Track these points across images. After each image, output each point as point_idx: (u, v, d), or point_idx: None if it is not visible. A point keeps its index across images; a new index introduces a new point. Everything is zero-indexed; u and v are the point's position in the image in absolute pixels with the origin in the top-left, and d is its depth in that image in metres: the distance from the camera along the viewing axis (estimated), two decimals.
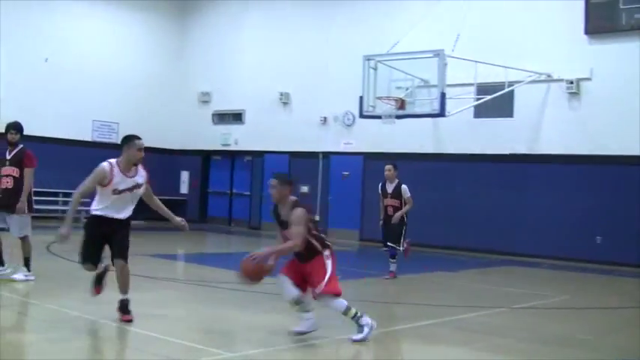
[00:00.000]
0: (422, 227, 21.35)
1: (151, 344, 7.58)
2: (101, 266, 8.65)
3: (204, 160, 28.02)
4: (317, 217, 8.47)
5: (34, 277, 10.93)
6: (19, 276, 10.81)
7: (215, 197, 27.63)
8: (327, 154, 24.27)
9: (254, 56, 26.29)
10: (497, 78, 18.91)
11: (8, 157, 10.93)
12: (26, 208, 10.89)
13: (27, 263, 10.97)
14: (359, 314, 7.98)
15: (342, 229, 22.70)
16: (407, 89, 18.67)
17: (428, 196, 21.41)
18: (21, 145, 11.02)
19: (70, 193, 23.94)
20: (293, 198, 8.13)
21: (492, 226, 20.48)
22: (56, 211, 24.14)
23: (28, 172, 10.89)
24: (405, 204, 13.68)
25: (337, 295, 7.94)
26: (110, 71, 25.99)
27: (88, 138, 25.48)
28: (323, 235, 8.20)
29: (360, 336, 7.96)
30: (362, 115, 18.93)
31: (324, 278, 7.87)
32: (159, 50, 27.82)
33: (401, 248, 13.67)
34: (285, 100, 25.38)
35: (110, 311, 8.40)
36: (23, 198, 10.81)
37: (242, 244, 21.61)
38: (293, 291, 7.99)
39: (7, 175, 10.89)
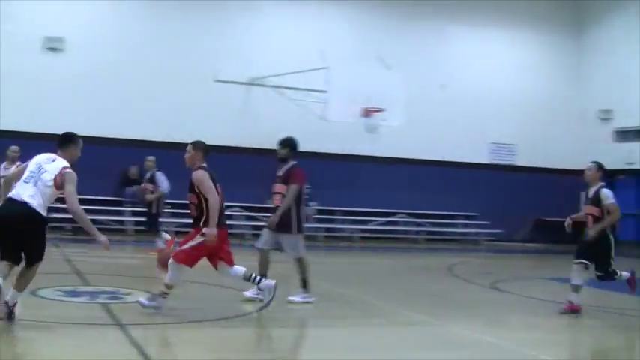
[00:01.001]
0: None
1: None
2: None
3: (605, 180, 26.67)
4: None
5: (313, 298, 10.19)
6: (296, 298, 10.15)
7: (621, 219, 26.08)
8: None
9: None
10: None
11: (279, 174, 10.35)
12: (295, 227, 10.14)
13: (304, 284, 10.25)
14: (166, 295, 8.61)
15: None
16: None
17: None
18: (292, 162, 10.39)
19: (458, 215, 24.45)
20: (202, 165, 8.83)
21: None
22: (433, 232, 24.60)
23: (291, 190, 10.09)
24: (608, 214, 10.71)
25: (184, 264, 8.61)
26: (506, 94, 25.90)
27: (485, 161, 25.62)
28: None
29: (147, 302, 8.61)
30: None
31: (184, 244, 8.69)
32: (555, 70, 27.18)
33: (615, 276, 10.55)
34: None
35: (515, 336, 8.12)
36: (278, 213, 10.09)
37: None
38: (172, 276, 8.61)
39: (277, 193, 10.28)
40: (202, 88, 21.21)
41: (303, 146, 20.82)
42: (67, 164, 7.72)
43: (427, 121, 23.95)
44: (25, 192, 7.50)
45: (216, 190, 8.75)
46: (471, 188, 24.47)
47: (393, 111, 19.76)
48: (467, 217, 24.89)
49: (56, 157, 7.79)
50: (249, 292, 9.93)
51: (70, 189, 7.59)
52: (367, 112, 19.65)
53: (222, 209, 8.87)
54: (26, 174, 7.66)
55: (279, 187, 10.23)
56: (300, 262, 10.19)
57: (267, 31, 22.58)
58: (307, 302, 10.12)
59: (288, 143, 10.49)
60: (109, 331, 7.90)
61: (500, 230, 23.98)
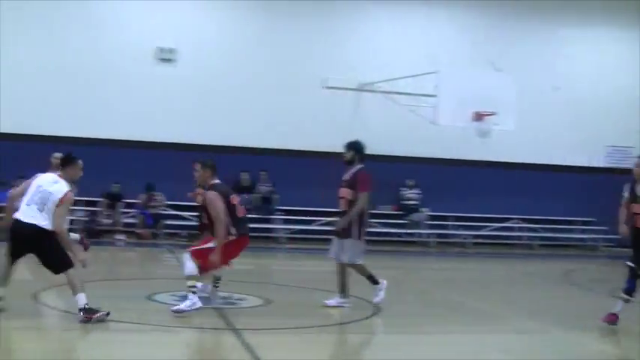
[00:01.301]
0: None
1: None
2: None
3: None
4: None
5: (384, 282, 10.02)
6: (377, 298, 9.92)
7: None
8: None
9: None
10: None
11: (345, 177, 10.04)
12: (357, 233, 9.83)
13: (373, 281, 10.00)
14: (196, 289, 8.76)
15: None
16: None
17: None
18: (359, 166, 10.02)
19: (574, 221, 23.75)
20: (214, 182, 9.06)
21: None
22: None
23: (362, 197, 9.79)
24: None
25: (200, 266, 8.76)
26: (622, 95, 24.83)
27: (601, 164, 24.86)
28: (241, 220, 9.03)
29: (180, 306, 8.69)
30: None
31: (202, 245, 8.94)
32: None
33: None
34: None
35: (635, 347, 7.84)
36: (347, 219, 9.81)
37: None
38: (189, 267, 8.76)
39: (342, 198, 9.99)
40: (312, 95, 21.31)
41: (414, 151, 21.17)
42: (68, 187, 8.19)
43: (540, 124, 23.41)
44: (30, 214, 8.01)
45: (230, 202, 9.02)
46: (587, 193, 23.73)
47: (504, 114, 19.35)
48: (583, 223, 24.18)
49: (58, 178, 8.24)
50: (331, 302, 9.92)
51: (64, 212, 8.14)
52: (478, 116, 19.32)
53: (243, 218, 9.21)
54: (29, 195, 8.12)
55: (344, 192, 9.94)
56: (356, 268, 9.99)
57: (376, 36, 22.55)
58: (383, 291, 9.98)
59: (354, 146, 10.11)
60: (223, 335, 8.04)
61: (619, 236, 23.18)
